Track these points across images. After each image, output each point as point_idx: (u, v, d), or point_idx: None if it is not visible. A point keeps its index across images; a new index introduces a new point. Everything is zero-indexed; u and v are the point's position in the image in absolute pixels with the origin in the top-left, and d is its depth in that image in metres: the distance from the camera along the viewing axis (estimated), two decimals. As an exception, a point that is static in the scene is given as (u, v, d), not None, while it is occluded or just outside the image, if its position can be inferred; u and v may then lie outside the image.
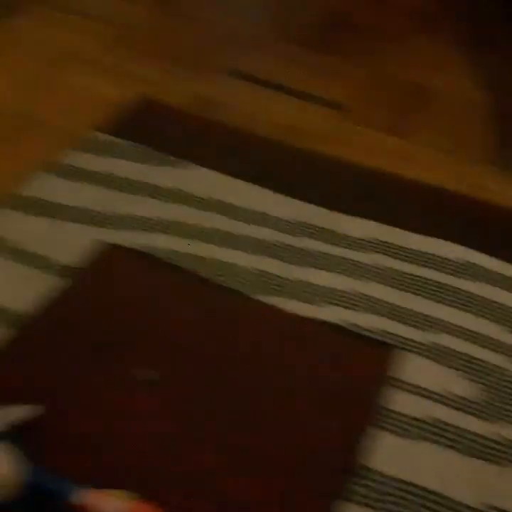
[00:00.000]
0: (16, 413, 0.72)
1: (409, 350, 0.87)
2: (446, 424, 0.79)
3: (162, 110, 1.25)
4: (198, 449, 0.74)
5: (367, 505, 0.71)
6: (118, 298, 0.90)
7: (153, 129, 1.20)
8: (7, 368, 0.79)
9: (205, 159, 1.14)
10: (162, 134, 1.19)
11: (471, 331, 0.89)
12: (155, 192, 1.06)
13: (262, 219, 1.05)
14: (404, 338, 0.89)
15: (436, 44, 1.54)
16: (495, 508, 0.71)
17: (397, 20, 1.62)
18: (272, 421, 0.78)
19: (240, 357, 0.85)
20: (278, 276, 0.95)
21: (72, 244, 0.95)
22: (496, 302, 0.93)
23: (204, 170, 1.12)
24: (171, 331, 0.87)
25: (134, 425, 0.75)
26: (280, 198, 1.09)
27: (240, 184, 1.11)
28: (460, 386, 0.83)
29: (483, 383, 0.83)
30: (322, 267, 0.98)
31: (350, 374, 0.85)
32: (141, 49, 1.42)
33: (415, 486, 0.73)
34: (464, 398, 0.81)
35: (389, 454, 0.75)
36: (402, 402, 0.81)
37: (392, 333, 0.89)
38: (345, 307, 0.92)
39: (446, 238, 1.04)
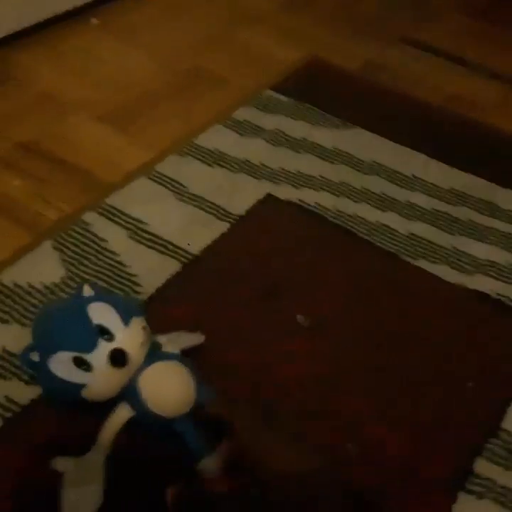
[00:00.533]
0: (185, 339, 0.79)
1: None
2: None
3: (331, 72, 1.29)
4: (346, 391, 0.80)
5: (505, 466, 0.74)
6: (278, 249, 0.96)
7: (321, 90, 1.25)
8: (175, 298, 0.88)
9: (369, 123, 1.18)
10: (329, 95, 1.24)
11: None
12: (318, 150, 1.12)
13: (418, 184, 1.08)
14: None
15: None
16: None
17: None
18: (419, 377, 0.82)
19: (388, 313, 0.90)
20: (430, 242, 0.99)
21: (240, 194, 1.03)
22: None
23: (367, 133, 1.16)
24: (327, 282, 0.93)
25: (289, 366, 0.81)
26: (439, 165, 1.11)
27: (400, 149, 1.14)
28: None
29: None
30: (477, 237, 1.00)
31: (497, 344, 0.87)
32: (315, 11, 1.47)
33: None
34: None
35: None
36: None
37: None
38: (497, 279, 0.94)
39: None
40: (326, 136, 1.15)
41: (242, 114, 1.17)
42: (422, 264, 0.96)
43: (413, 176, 1.09)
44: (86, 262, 0.89)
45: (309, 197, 1.03)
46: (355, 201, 1.04)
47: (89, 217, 0.95)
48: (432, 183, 1.08)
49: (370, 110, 1.22)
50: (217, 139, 1.12)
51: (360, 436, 0.76)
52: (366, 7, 1.50)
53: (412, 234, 1.00)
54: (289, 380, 0.80)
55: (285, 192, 1.04)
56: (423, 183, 1.08)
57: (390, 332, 0.87)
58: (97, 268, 0.89)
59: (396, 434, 0.76)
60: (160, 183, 1.02)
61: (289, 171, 1.07)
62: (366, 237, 0.99)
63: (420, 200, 1.05)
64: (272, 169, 1.07)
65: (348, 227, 0.99)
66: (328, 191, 1.05)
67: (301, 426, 0.75)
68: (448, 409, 0.79)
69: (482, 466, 0.74)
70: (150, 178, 1.03)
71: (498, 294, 0.92)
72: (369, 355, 0.84)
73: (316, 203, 1.03)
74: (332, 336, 0.85)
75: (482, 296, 0.92)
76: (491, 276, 0.95)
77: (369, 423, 0.77)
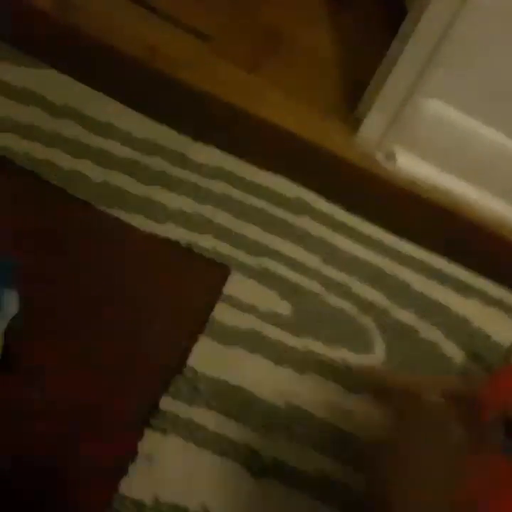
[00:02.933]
0: None
1: (241, 272, 0.96)
2: (263, 335, 0.89)
3: (23, 7, 1.20)
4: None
5: (189, 402, 0.80)
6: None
7: (13, 25, 1.16)
8: None
9: (63, 65, 1.13)
10: (21, 32, 1.16)
11: (294, 259, 1.00)
12: (6, 90, 1.04)
13: (113, 132, 1.07)
14: (238, 261, 0.97)
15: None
16: (294, 406, 0.83)
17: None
18: (111, 328, 0.84)
19: (84, 262, 0.89)
20: (125, 191, 1.00)
21: None
22: (319, 237, 1.05)
23: (61, 75, 1.11)
24: (20, 232, 0.88)
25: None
26: (134, 114, 1.12)
27: (94, 94, 1.11)
28: (279, 305, 0.94)
29: (297, 303, 0.95)
30: (169, 187, 1.03)
31: (186, 289, 0.92)
32: None
33: (231, 386, 0.83)
34: (280, 315, 0.93)
35: (210, 357, 0.84)
36: (229, 315, 0.90)
37: (227, 255, 0.97)
38: (188, 228, 0.99)
39: (286, 177, 1.13)
40: (17, 74, 1.08)
41: None
42: (117, 213, 0.97)
43: (107, 122, 1.08)
44: None
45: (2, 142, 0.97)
46: (47, 146, 1.00)
47: None
48: (126, 132, 1.08)
49: (65, 52, 1.17)
50: None
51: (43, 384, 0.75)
52: None
53: (107, 182, 1.00)
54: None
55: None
56: (117, 130, 1.08)
57: (86, 280, 0.87)
58: None
59: (80, 378, 0.77)
60: None
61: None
62: (59, 185, 0.96)
63: (114, 148, 1.05)
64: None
65: (40, 174, 0.95)
66: (16, 134, 0.99)
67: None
68: (134, 350, 0.82)
69: (167, 403, 0.79)
70: None
71: (187, 241, 0.97)
72: (61, 302, 0.83)
73: (2, 146, 0.96)
74: (25, 283, 0.82)
75: (173, 244, 0.96)
76: (181, 224, 0.99)
77: (52, 371, 0.76)
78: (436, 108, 1.20)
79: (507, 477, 0.62)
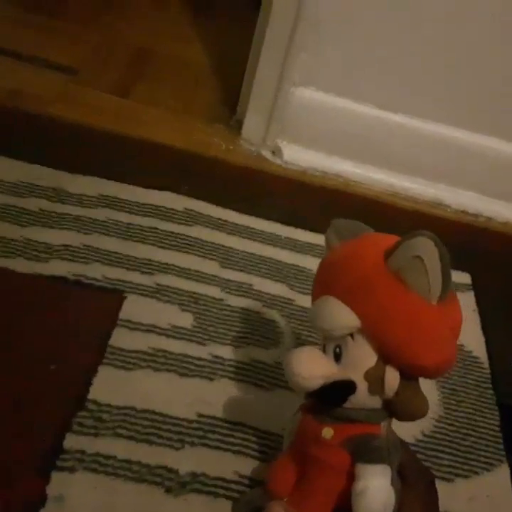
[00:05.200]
0: None
1: (136, 293, 0.94)
2: (167, 352, 0.87)
3: None
4: None
5: (95, 434, 0.77)
6: None
7: None
8: None
9: None
10: None
11: (189, 269, 0.99)
12: None
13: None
14: (131, 283, 0.95)
15: (160, 6, 1.62)
16: (206, 415, 0.81)
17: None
18: (6, 374, 0.80)
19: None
20: (4, 238, 0.96)
21: None
22: (212, 242, 1.04)
23: None
24: None
25: None
26: (7, 161, 1.09)
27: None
28: (180, 318, 0.92)
29: (199, 312, 0.93)
30: (50, 224, 1.01)
31: (83, 322, 0.89)
32: None
33: (138, 410, 0.80)
34: (182, 328, 0.91)
35: (113, 386, 0.81)
36: (128, 339, 0.87)
37: (120, 280, 0.95)
38: (74, 261, 0.96)
39: (173, 191, 1.12)
40: None
41: None
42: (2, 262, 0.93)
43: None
44: None
45: None
46: None
47: None
48: (2, 179, 1.05)
49: None
50: None
51: None
52: None
53: (-19, 232, 0.97)
54: None
55: None
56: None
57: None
58: None
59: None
60: None
61: None
62: None
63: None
64: None
65: None
66: None
67: None
68: (32, 394, 0.79)
69: (72, 440, 0.76)
70: None
71: (75, 274, 0.95)
72: None
73: None
74: None
75: (59, 280, 0.94)
76: (67, 259, 0.97)
77: None
78: (306, 95, 1.21)
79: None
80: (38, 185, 1.06)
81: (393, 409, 0.62)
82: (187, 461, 0.76)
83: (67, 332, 0.88)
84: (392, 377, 0.60)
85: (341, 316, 0.60)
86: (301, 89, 1.21)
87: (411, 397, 0.61)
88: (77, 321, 0.89)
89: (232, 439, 0.79)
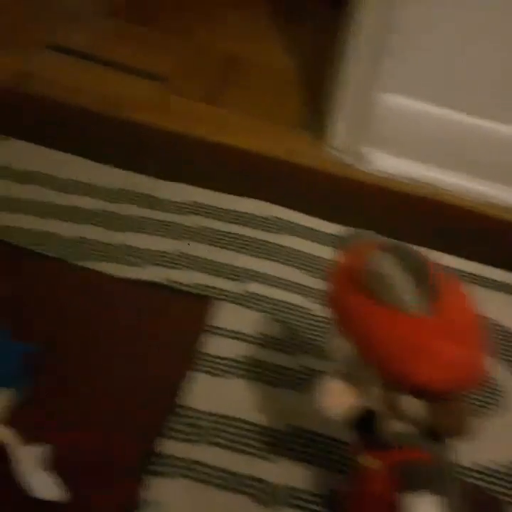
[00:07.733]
0: None
1: (225, 300, 0.95)
2: (256, 360, 0.88)
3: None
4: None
5: (187, 440, 0.78)
6: None
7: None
8: None
9: (24, 133, 1.15)
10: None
11: (276, 277, 0.99)
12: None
13: (85, 189, 1.08)
14: (219, 289, 0.96)
15: (249, 17, 1.63)
16: (295, 426, 0.81)
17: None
18: (107, 381, 0.83)
19: (68, 320, 0.89)
20: (100, 242, 1.00)
21: None
22: (298, 251, 1.04)
23: (23, 143, 1.13)
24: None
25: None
26: (104, 168, 1.13)
27: (61, 156, 1.13)
28: (267, 326, 0.92)
29: (286, 321, 0.93)
30: (144, 231, 1.04)
31: (171, 327, 0.91)
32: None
33: (230, 417, 0.81)
34: (270, 336, 0.91)
35: (204, 393, 0.83)
36: (218, 346, 0.89)
37: (208, 286, 0.96)
38: (167, 266, 0.99)
39: (256, 197, 1.13)
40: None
41: None
42: (92, 265, 0.97)
43: (77, 180, 1.09)
44: None
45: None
46: (13, 212, 1.01)
47: None
48: (99, 186, 1.09)
49: (23, 120, 1.19)
50: None
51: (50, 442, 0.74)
52: (8, 17, 1.46)
53: (79, 237, 1.00)
54: None
55: None
56: (88, 186, 1.08)
57: (74, 337, 0.87)
58: None
59: (78, 438, 0.76)
60: None
61: None
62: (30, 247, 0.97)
63: (87, 203, 1.06)
64: None
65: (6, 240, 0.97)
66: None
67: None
68: (127, 398, 0.81)
69: (166, 446, 0.77)
70: None
71: (170, 281, 0.97)
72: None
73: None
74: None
75: (156, 286, 0.96)
76: (161, 265, 0.99)
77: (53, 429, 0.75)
78: (395, 101, 1.20)
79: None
80: (133, 192, 1.09)
81: (432, 431, 0.59)
82: (278, 472, 0.77)
83: (157, 335, 0.90)
84: (403, 402, 0.57)
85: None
86: (388, 96, 1.19)
87: (441, 418, 0.57)
88: (167, 326, 0.91)
89: (329, 455, 0.79)
